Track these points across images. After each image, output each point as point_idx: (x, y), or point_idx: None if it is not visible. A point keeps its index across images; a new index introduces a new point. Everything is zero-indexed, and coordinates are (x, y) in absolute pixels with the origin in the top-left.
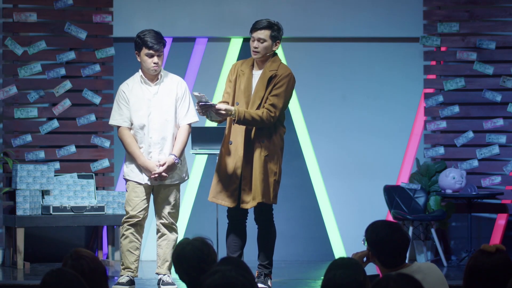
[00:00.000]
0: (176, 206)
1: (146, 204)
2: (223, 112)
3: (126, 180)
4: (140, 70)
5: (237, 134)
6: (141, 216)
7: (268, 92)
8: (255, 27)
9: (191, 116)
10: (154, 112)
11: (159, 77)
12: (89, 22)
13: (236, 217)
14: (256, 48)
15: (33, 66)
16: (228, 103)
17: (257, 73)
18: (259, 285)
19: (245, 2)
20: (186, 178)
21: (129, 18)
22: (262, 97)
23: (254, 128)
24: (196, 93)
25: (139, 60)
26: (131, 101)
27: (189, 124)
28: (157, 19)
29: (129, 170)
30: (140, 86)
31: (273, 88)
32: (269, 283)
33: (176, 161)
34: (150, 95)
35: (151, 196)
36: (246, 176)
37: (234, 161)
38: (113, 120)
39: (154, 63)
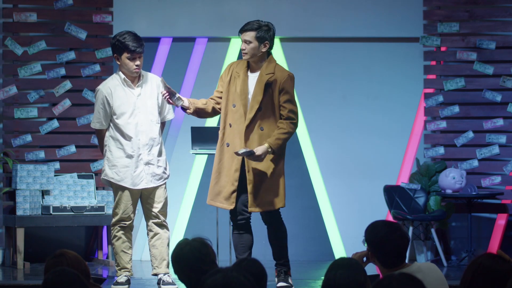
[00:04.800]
0: (165, 204)
1: (135, 206)
2: (263, 156)
3: (111, 183)
4: (120, 72)
5: (235, 136)
6: (132, 218)
7: (275, 99)
8: (242, 28)
9: (172, 113)
10: (140, 114)
11: (140, 77)
12: (89, 22)
13: (239, 217)
14: (243, 49)
15: (33, 66)
16: (215, 100)
17: (252, 76)
18: (280, 284)
19: (245, 2)
20: (168, 173)
21: (129, 18)
22: (261, 101)
23: (255, 130)
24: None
25: (118, 63)
26: (115, 105)
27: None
28: (157, 19)
29: (114, 173)
30: (123, 89)
31: (280, 96)
32: (289, 280)
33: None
34: (134, 97)
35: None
36: (252, 180)
37: (231, 164)
38: (94, 124)
39: (136, 65)
